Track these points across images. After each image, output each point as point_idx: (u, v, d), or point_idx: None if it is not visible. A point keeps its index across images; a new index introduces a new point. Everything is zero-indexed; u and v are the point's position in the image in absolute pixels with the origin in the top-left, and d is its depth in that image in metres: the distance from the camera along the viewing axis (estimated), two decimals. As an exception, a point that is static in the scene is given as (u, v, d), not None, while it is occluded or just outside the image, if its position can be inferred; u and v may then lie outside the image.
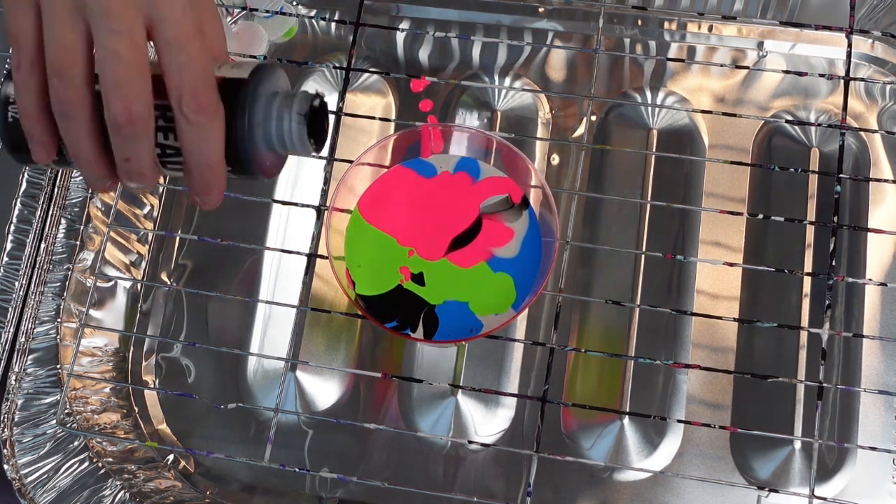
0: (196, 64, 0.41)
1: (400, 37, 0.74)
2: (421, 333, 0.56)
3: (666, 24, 0.72)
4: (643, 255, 0.67)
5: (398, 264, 0.58)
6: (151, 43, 0.41)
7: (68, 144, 0.42)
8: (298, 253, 0.59)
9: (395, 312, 0.57)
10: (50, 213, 0.65)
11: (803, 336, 0.66)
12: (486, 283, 0.57)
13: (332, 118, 0.51)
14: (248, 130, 0.43)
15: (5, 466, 0.60)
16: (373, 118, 0.67)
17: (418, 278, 0.57)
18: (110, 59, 0.40)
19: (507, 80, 0.73)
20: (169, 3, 0.41)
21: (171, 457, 0.64)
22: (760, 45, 0.72)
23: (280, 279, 0.69)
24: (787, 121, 0.70)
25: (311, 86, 0.74)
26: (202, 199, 0.44)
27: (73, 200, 0.66)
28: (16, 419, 0.61)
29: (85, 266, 0.65)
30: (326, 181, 0.62)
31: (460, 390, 0.65)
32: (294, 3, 0.74)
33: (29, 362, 0.62)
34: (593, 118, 0.71)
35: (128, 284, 0.68)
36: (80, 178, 0.66)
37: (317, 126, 0.44)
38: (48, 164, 0.44)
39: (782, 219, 0.59)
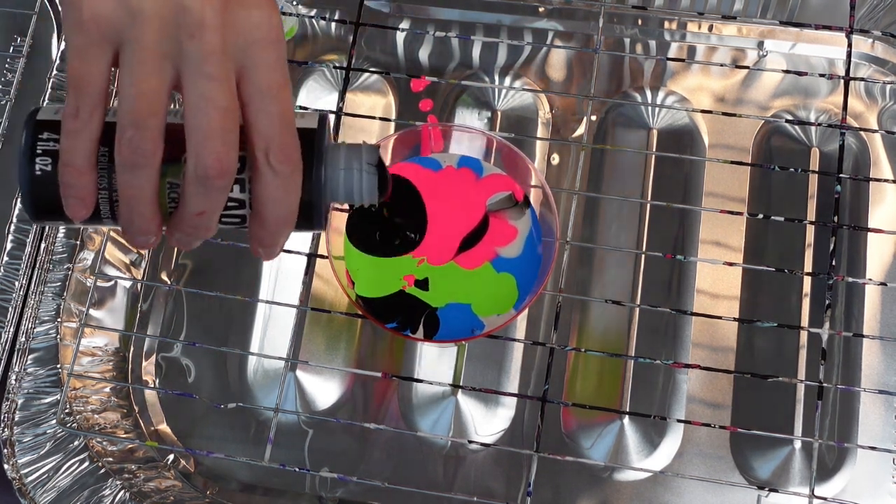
0: (287, 114, 0.40)
1: (400, 37, 0.74)
2: (421, 334, 0.56)
3: (666, 24, 0.72)
4: (643, 255, 0.67)
5: (403, 272, 0.57)
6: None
7: (130, 198, 0.39)
8: (298, 253, 0.59)
9: (395, 315, 0.57)
10: (50, 212, 0.65)
11: (803, 336, 0.66)
12: (490, 283, 0.57)
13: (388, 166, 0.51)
14: (324, 182, 0.42)
15: (5, 466, 0.60)
16: (373, 118, 0.67)
17: (422, 283, 0.57)
18: (207, 107, 0.38)
19: (507, 80, 0.73)
20: (264, 51, 0.39)
21: (171, 456, 0.64)
22: (760, 44, 0.72)
23: (280, 279, 0.69)
24: (787, 121, 0.70)
25: (311, 87, 0.74)
26: (267, 251, 0.43)
27: (74, 200, 0.66)
28: (16, 419, 0.61)
29: (85, 266, 0.65)
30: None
31: (460, 390, 0.65)
32: (294, 3, 0.74)
33: (29, 362, 0.62)
34: (593, 118, 0.71)
35: (128, 284, 0.68)
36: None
37: (382, 177, 0.44)
38: (74, 223, 0.41)
39: (782, 219, 0.59)
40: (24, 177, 0.40)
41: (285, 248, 0.61)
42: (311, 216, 0.42)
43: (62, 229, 0.65)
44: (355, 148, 0.43)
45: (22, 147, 0.40)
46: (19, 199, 0.66)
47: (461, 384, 0.66)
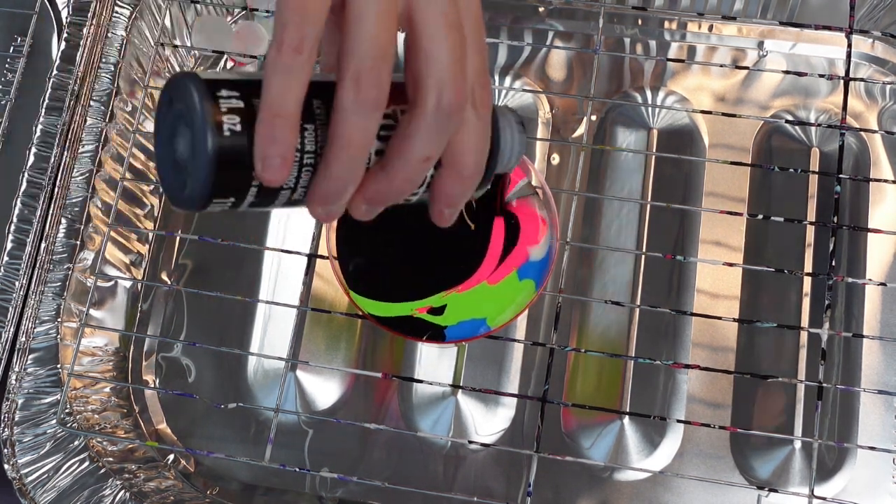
0: (482, 54, 0.36)
1: (400, 37, 0.74)
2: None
3: (666, 24, 0.72)
4: (643, 255, 0.67)
5: (419, 304, 0.53)
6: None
7: (357, 147, 0.34)
8: (298, 253, 0.59)
9: (399, 331, 0.54)
10: (50, 212, 0.65)
11: (803, 336, 0.66)
12: (510, 295, 0.54)
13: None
14: (505, 141, 0.39)
15: (6, 466, 0.60)
16: (373, 118, 0.67)
17: (438, 310, 0.53)
18: (451, 34, 0.34)
19: (508, 80, 0.73)
20: None
21: (171, 456, 0.64)
22: (760, 44, 0.72)
23: (280, 279, 0.69)
24: (787, 121, 0.70)
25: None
26: (448, 209, 0.38)
27: (73, 200, 0.66)
28: (16, 419, 0.61)
29: (85, 266, 0.65)
30: (326, 181, 0.62)
31: (460, 390, 0.65)
32: (294, 2, 0.74)
33: (29, 362, 0.62)
34: (593, 118, 0.71)
35: (128, 284, 0.68)
36: (81, 177, 0.66)
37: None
38: (244, 202, 0.35)
39: (782, 219, 0.59)
40: (208, 143, 0.33)
41: (285, 248, 0.61)
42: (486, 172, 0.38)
43: (62, 229, 0.65)
44: (499, 108, 0.39)
45: (198, 108, 0.33)
46: (19, 199, 0.66)
47: (461, 384, 0.66)
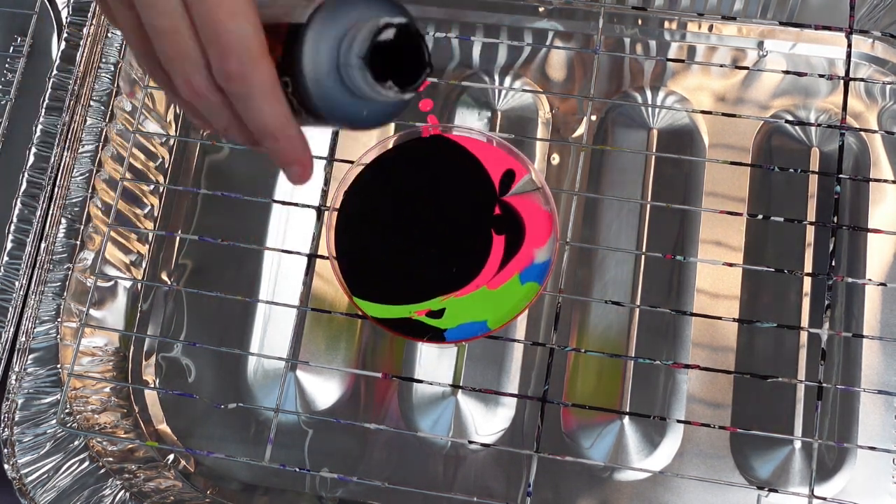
0: (214, 25, 0.36)
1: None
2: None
3: (666, 24, 0.72)
4: (643, 256, 0.67)
5: (417, 308, 0.54)
6: None
7: (215, 127, 0.40)
8: (298, 253, 0.59)
9: (398, 332, 0.54)
10: (50, 212, 0.65)
11: (803, 336, 0.66)
12: (511, 298, 0.54)
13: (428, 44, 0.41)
14: (315, 83, 0.36)
15: (6, 466, 0.60)
16: (373, 118, 0.67)
17: (437, 313, 0.54)
18: (156, 37, 0.37)
19: (507, 80, 0.73)
20: None
21: (171, 456, 0.64)
22: (760, 44, 0.72)
23: (280, 279, 0.69)
24: (787, 121, 0.70)
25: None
26: (286, 171, 0.40)
27: (73, 200, 0.66)
28: (16, 419, 0.61)
29: (85, 266, 0.65)
30: (327, 181, 0.62)
31: (460, 390, 0.65)
32: (294, 2, 0.74)
33: (29, 362, 0.62)
34: (593, 118, 0.71)
35: (128, 284, 0.68)
36: (81, 177, 0.66)
37: (395, 63, 0.36)
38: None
39: (782, 219, 0.59)
40: None
41: (285, 248, 0.61)
42: (323, 118, 0.37)
43: (62, 229, 0.65)
44: (357, 33, 0.36)
45: None
46: (19, 199, 0.66)
47: (461, 384, 0.66)
